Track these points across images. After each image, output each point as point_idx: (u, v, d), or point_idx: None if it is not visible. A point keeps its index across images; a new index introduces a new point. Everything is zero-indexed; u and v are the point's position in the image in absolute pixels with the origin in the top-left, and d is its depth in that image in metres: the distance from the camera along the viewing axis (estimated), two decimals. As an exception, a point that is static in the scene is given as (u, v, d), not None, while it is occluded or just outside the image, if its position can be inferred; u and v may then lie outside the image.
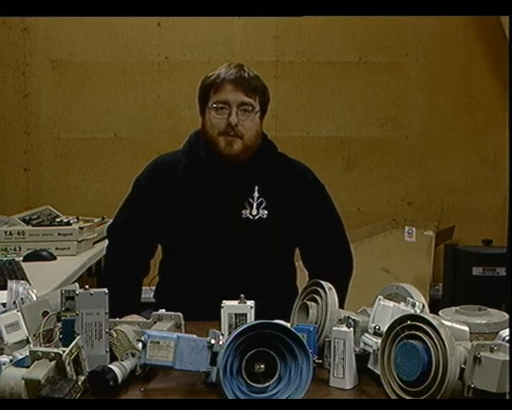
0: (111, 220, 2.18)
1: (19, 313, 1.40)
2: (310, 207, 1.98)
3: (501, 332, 1.38)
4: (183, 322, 1.54)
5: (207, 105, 1.90)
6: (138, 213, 1.99)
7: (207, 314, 1.57)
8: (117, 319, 1.54)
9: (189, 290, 1.91)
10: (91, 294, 1.37)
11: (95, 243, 2.89)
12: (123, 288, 1.87)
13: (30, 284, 1.64)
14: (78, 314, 1.36)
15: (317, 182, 2.04)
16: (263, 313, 1.40)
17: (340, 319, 1.38)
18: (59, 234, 2.72)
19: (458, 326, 1.47)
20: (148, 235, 1.99)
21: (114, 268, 2.01)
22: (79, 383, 1.26)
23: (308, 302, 1.52)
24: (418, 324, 1.26)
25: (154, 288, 2.09)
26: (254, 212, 1.91)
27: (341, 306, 1.78)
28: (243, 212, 1.91)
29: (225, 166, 1.92)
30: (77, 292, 1.37)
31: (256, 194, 1.92)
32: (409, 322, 1.27)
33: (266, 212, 1.91)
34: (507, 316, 1.58)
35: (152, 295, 2.09)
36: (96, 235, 2.90)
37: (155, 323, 1.52)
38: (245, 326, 1.26)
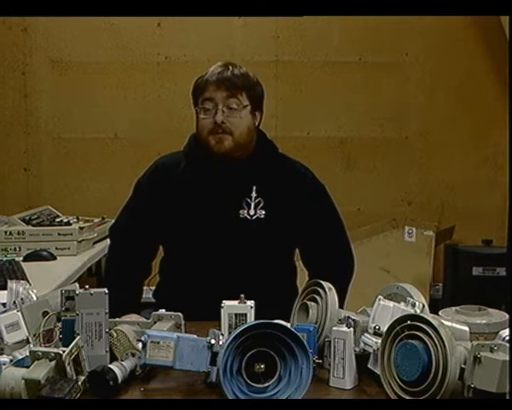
0: (112, 221, 2.19)
1: (19, 313, 1.40)
2: (309, 208, 1.98)
3: (501, 332, 1.38)
4: (183, 322, 1.54)
5: (197, 106, 1.92)
6: (140, 214, 1.99)
7: (207, 314, 1.57)
8: (117, 318, 1.54)
9: (189, 290, 1.91)
10: (91, 294, 1.37)
11: (95, 243, 2.89)
12: (124, 289, 1.87)
13: (30, 284, 1.64)
14: (78, 314, 1.36)
15: (317, 182, 2.03)
16: (263, 313, 1.40)
17: (340, 319, 1.38)
18: (59, 234, 2.72)
19: (458, 326, 1.47)
20: (150, 236, 1.99)
21: (116, 269, 2.01)
22: (79, 383, 1.26)
23: (308, 302, 1.52)
24: (418, 324, 1.26)
25: (153, 288, 2.09)
26: (252, 212, 1.91)
27: (341, 307, 1.78)
28: (241, 212, 1.91)
29: (223, 167, 1.92)
30: (77, 292, 1.37)
31: (254, 194, 1.92)
32: (409, 322, 1.27)
33: (264, 212, 1.91)
34: (507, 316, 1.58)
35: (151, 295, 2.09)
36: (96, 235, 2.90)
37: (155, 323, 1.52)
38: (245, 326, 1.26)
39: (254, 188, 1.93)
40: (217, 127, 1.86)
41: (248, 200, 1.92)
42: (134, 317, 1.75)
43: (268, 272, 1.94)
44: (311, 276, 1.98)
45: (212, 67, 1.92)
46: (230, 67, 1.91)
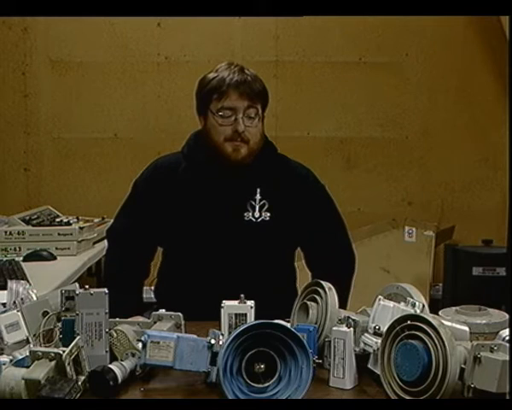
0: (111, 222, 2.18)
1: (19, 313, 1.40)
2: (311, 209, 1.98)
3: (501, 332, 1.38)
4: (183, 322, 1.54)
5: (210, 109, 1.88)
6: (137, 215, 1.98)
7: (207, 314, 1.57)
8: (117, 318, 1.54)
9: (189, 291, 1.91)
10: (91, 294, 1.37)
11: (95, 243, 2.89)
12: (124, 291, 1.87)
13: (30, 284, 1.65)
14: (78, 314, 1.36)
15: (318, 183, 2.03)
16: (263, 313, 1.40)
17: (340, 319, 1.38)
18: (59, 234, 2.72)
19: (458, 326, 1.47)
20: (148, 237, 1.98)
21: (115, 271, 2.00)
22: (79, 383, 1.26)
23: (308, 302, 1.52)
24: (418, 324, 1.26)
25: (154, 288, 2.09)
26: (257, 214, 1.91)
27: (344, 305, 1.79)
28: (245, 215, 1.90)
29: (226, 169, 1.91)
30: (77, 292, 1.37)
31: (258, 196, 1.92)
32: (409, 322, 1.27)
33: (269, 214, 1.91)
34: (507, 316, 1.58)
35: (153, 295, 2.08)
36: (95, 235, 2.90)
37: (155, 323, 1.52)
38: (245, 326, 1.26)
39: (259, 190, 1.92)
40: (236, 136, 1.85)
41: (253, 202, 1.91)
42: (136, 318, 1.74)
43: (269, 272, 1.94)
44: (314, 276, 1.97)
45: (225, 71, 1.87)
46: (247, 72, 1.88)
